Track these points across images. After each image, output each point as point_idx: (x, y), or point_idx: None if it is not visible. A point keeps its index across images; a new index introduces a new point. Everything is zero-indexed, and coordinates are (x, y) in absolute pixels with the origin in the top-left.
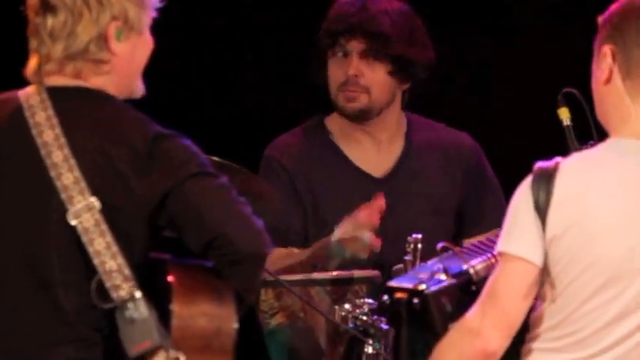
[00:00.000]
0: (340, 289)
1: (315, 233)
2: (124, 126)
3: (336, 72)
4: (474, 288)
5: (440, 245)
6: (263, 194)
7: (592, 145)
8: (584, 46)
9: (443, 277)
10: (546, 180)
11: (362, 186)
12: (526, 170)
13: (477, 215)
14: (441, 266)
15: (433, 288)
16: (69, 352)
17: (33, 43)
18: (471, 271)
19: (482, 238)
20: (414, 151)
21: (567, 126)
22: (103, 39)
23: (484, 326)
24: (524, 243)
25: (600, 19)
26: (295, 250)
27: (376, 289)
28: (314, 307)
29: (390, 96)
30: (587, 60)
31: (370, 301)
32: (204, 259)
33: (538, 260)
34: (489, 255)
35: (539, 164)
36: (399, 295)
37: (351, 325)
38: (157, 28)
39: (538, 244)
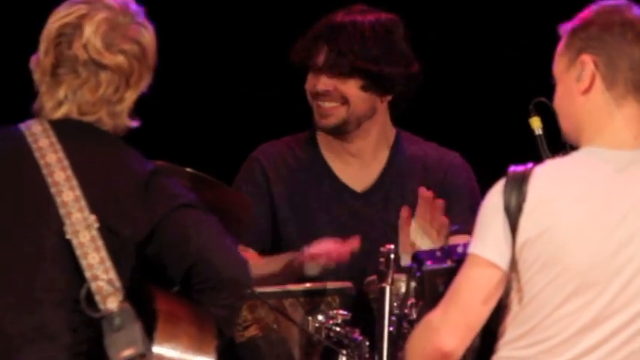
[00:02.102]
0: (313, 300)
1: (291, 243)
2: (124, 158)
3: (309, 84)
4: None
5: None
6: (238, 206)
7: (564, 154)
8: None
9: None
10: (519, 185)
11: (343, 199)
12: (499, 176)
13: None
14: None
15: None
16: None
17: (61, 92)
18: None
19: None
20: (397, 166)
21: (539, 135)
22: (133, 103)
23: (443, 326)
24: (492, 246)
25: (567, 28)
26: (260, 261)
27: (349, 300)
28: (288, 318)
29: (369, 108)
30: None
31: (343, 312)
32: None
33: (503, 264)
34: None
35: (513, 168)
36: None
37: (324, 336)
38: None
39: (505, 248)
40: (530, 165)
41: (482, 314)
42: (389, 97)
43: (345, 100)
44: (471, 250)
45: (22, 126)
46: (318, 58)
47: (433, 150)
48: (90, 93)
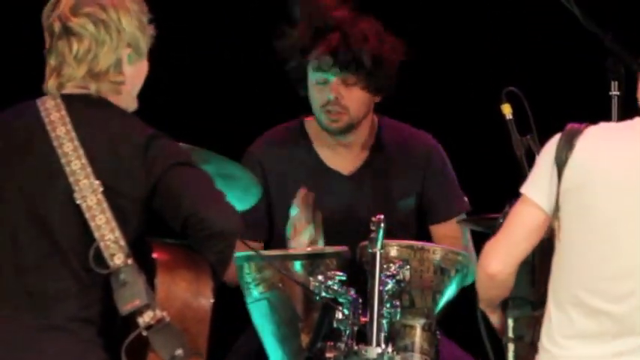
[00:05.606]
0: (314, 262)
1: (284, 225)
2: (126, 126)
3: (318, 95)
4: None
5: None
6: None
7: (531, 137)
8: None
9: None
10: (571, 139)
11: (331, 182)
12: (474, 157)
13: (439, 205)
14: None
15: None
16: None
17: (51, 62)
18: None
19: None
20: (381, 151)
21: (509, 120)
22: (119, 63)
23: (490, 251)
24: (539, 190)
25: None
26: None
27: (345, 262)
28: (292, 278)
29: (367, 109)
30: (530, 58)
31: (340, 273)
32: (184, 238)
33: (547, 208)
34: None
35: (571, 125)
36: None
37: (323, 293)
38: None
39: (551, 194)
40: (586, 124)
41: (523, 248)
42: (380, 96)
43: (347, 108)
44: (523, 190)
45: (38, 101)
46: (331, 71)
47: (410, 133)
48: (67, 58)
